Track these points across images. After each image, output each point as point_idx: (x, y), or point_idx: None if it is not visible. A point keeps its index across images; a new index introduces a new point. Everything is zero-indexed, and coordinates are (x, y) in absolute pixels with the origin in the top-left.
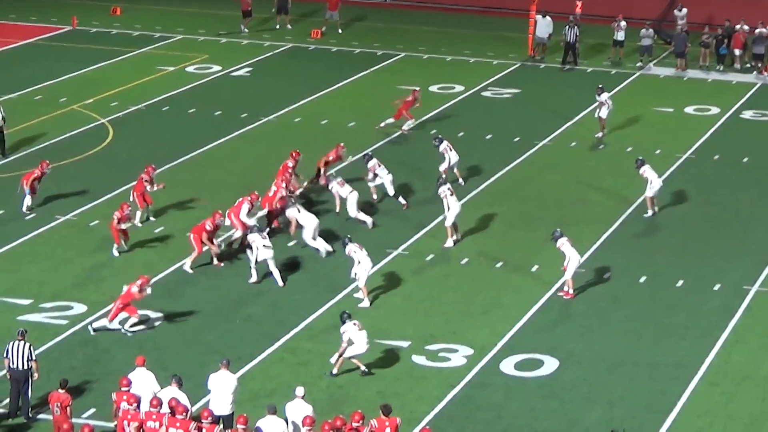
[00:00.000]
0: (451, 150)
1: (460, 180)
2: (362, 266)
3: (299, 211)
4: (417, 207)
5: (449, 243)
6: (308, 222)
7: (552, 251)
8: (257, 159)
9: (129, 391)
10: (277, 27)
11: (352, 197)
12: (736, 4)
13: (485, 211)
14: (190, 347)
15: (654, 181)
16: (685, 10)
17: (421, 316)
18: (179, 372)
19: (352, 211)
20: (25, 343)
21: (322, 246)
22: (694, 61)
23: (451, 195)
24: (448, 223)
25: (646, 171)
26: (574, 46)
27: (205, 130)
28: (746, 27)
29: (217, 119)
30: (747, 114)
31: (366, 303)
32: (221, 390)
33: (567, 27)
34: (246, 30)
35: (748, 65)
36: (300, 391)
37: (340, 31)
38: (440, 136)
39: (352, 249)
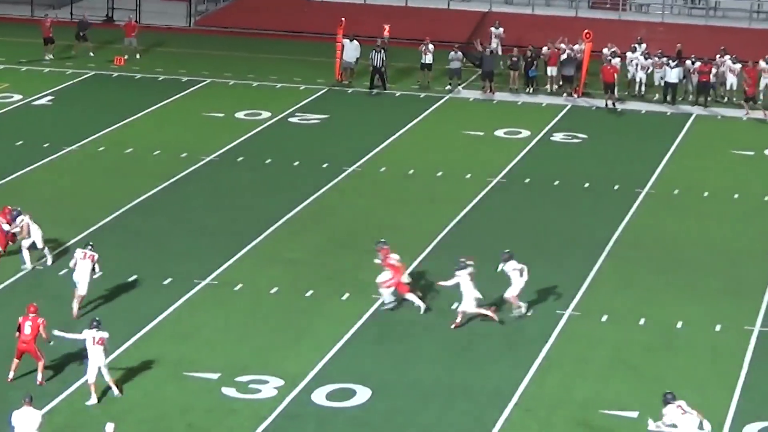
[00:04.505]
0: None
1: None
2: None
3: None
4: (224, 236)
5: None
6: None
7: (363, 278)
8: (60, 190)
9: None
10: (73, 53)
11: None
12: (545, 26)
13: (294, 240)
14: None
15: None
16: (501, 28)
17: (230, 347)
18: None
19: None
20: None
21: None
22: (503, 84)
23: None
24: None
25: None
26: (381, 69)
27: (5, 161)
28: (563, 46)
29: (18, 150)
30: (557, 136)
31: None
32: (25, 427)
33: (373, 51)
34: (50, 57)
35: (557, 86)
36: (110, 427)
37: (138, 56)
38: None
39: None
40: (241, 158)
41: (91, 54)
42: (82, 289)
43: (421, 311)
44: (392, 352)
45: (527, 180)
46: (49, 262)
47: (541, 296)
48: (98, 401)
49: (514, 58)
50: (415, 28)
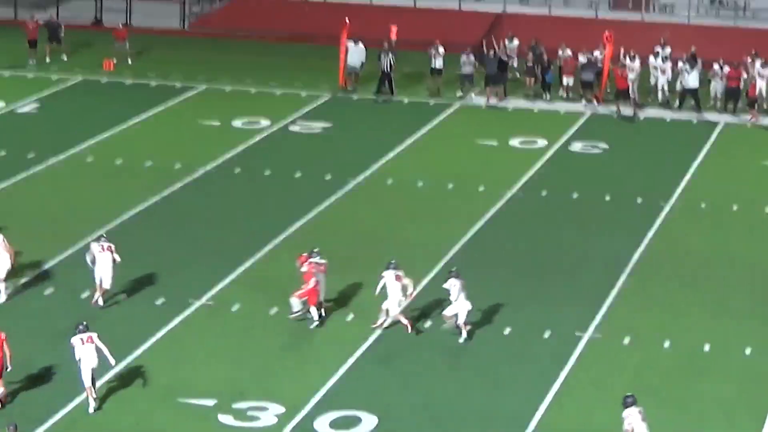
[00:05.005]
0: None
1: None
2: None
3: None
4: (221, 253)
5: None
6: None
7: (368, 298)
8: (45, 203)
9: None
10: (47, 60)
11: None
12: (562, 27)
13: (295, 257)
14: None
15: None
16: (516, 41)
17: (227, 372)
18: None
19: None
20: None
21: None
22: (517, 89)
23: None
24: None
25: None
26: (390, 74)
27: None
28: (570, 52)
29: (1, 161)
30: (576, 146)
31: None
32: None
33: (381, 54)
34: (33, 62)
35: (570, 94)
36: None
37: (129, 62)
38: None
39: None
40: (238, 170)
41: (63, 58)
42: (106, 282)
43: (313, 324)
44: (400, 375)
45: (544, 193)
46: (2, 299)
47: (558, 317)
48: (99, 407)
49: (530, 64)
50: (424, 30)
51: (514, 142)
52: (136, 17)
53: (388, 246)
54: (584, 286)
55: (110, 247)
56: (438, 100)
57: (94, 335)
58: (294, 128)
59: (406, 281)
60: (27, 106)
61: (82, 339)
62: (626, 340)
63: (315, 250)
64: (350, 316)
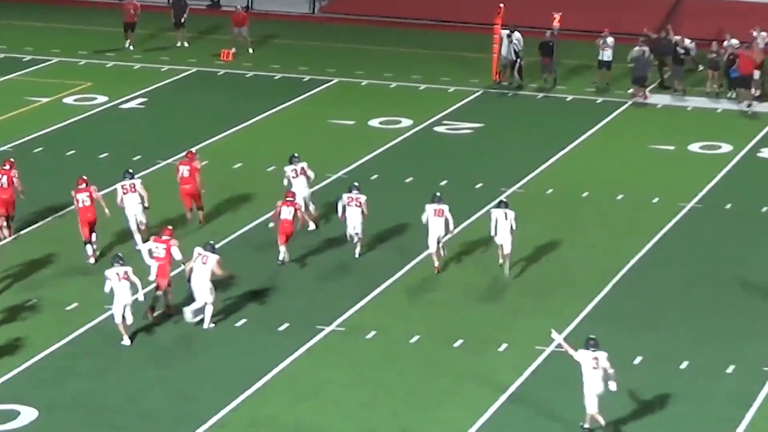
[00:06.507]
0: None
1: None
2: None
3: None
4: (354, 273)
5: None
6: None
7: (523, 325)
8: (153, 212)
9: None
10: (178, 44)
11: None
12: (749, 15)
13: (439, 277)
14: None
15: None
16: (675, 35)
17: (361, 409)
18: None
19: None
20: None
21: None
22: (699, 86)
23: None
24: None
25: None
26: (516, 63)
27: (88, 176)
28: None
29: (103, 163)
30: (766, 152)
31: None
32: None
33: (507, 40)
34: (130, 47)
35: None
36: None
37: (251, 51)
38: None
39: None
40: (375, 176)
41: (178, 45)
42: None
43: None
44: (560, 415)
45: (728, 206)
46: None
47: (743, 350)
48: (131, 341)
49: (713, 54)
50: (592, 18)
51: (694, 147)
52: (258, 0)
53: (547, 265)
54: None
55: (206, 258)
56: (606, 97)
57: (130, 270)
58: (440, 129)
59: (448, 216)
60: (132, 102)
61: (118, 274)
62: None
63: (355, 184)
64: (504, 346)
